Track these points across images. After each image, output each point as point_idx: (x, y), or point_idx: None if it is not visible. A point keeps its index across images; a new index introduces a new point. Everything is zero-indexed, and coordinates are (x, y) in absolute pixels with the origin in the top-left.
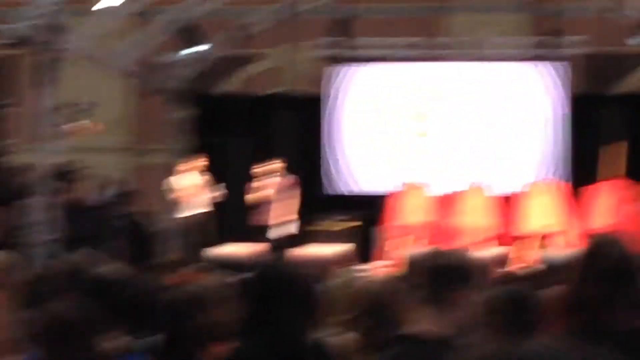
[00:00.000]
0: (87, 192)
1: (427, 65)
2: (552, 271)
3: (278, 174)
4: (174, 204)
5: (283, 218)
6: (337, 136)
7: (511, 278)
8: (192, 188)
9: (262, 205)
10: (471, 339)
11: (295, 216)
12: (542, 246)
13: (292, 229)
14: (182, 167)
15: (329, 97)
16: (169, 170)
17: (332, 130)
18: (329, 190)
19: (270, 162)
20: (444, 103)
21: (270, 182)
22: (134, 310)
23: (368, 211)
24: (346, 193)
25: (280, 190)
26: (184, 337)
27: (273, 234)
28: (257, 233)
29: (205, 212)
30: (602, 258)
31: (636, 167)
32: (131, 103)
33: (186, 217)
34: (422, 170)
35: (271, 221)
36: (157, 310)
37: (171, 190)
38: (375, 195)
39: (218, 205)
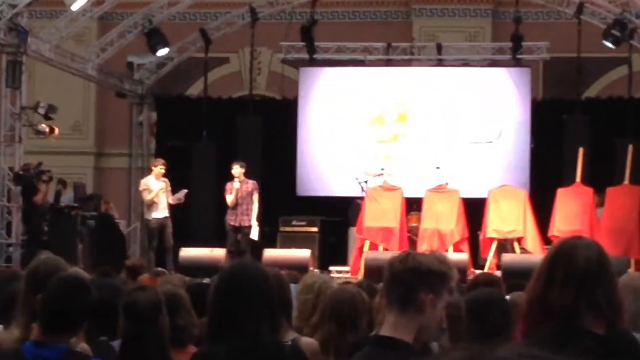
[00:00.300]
0: (47, 195)
1: (389, 70)
2: (513, 276)
3: (238, 178)
4: (146, 206)
5: (245, 222)
6: (301, 139)
7: (473, 283)
8: (154, 192)
9: (226, 208)
10: (438, 343)
11: (255, 220)
12: (504, 251)
13: (254, 232)
14: (152, 169)
15: (291, 100)
16: (130, 174)
17: (296, 133)
18: (295, 193)
19: (232, 167)
20: (406, 107)
21: (231, 186)
22: (94, 314)
23: (333, 214)
24: (310, 196)
25: (241, 194)
26: (145, 341)
27: (236, 237)
28: (220, 236)
29: (166, 217)
30: (567, 263)
31: (596, 172)
32: (92, 106)
33: (148, 221)
34: (387, 174)
35: (234, 225)
36: (117, 315)
37: (147, 190)
38: (341, 198)
39: (180, 209)
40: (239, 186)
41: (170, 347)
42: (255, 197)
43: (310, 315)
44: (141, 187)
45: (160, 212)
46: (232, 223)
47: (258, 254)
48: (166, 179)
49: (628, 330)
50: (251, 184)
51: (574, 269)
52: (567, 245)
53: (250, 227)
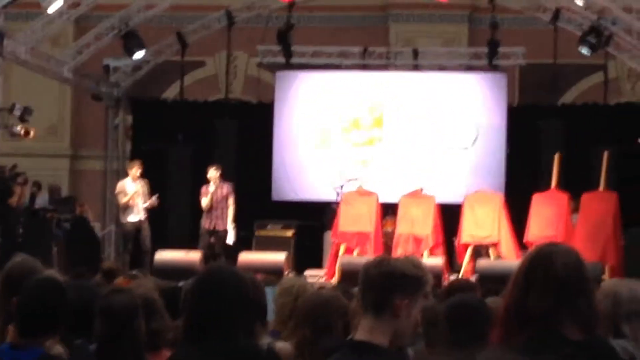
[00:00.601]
0: (22, 198)
1: (365, 75)
2: (488, 281)
3: (214, 182)
4: (121, 209)
5: (220, 226)
6: (277, 143)
7: (448, 288)
8: (130, 195)
9: (202, 212)
10: (413, 349)
11: (232, 223)
12: (479, 256)
13: (230, 236)
14: (128, 172)
15: (268, 104)
16: (105, 177)
17: (272, 137)
18: (273, 197)
19: (208, 170)
20: (382, 112)
21: (206, 190)
22: (69, 317)
23: (308, 218)
24: (286, 200)
25: (217, 198)
26: (120, 344)
27: (210, 240)
28: (195, 240)
29: (142, 220)
30: (546, 269)
31: (572, 178)
32: (67, 109)
33: (123, 224)
34: (362, 178)
35: (209, 228)
36: (92, 318)
37: (122, 194)
38: (317, 202)
39: (156, 212)
40: (214, 189)
41: (145, 351)
42: (231, 200)
43: (288, 319)
44: (117, 190)
45: (136, 215)
46: (206, 226)
47: (233, 258)
48: (145, 180)
49: (604, 337)
50: (227, 187)
51: (552, 275)
52: (544, 251)
53: (225, 230)
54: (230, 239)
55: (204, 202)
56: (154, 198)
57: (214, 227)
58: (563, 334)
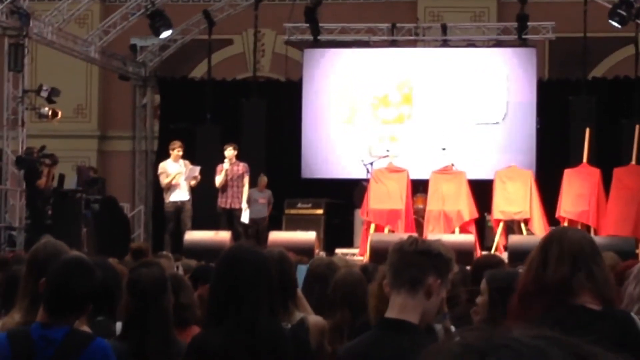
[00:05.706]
0: (51, 179)
1: (394, 51)
2: (519, 258)
3: (230, 160)
4: (164, 190)
5: (236, 205)
6: (305, 121)
7: (475, 265)
8: (171, 176)
9: (219, 191)
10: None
11: (246, 203)
12: (511, 232)
13: (245, 215)
14: (170, 152)
15: (296, 82)
16: (133, 157)
17: (300, 115)
18: (300, 175)
19: (224, 149)
20: (411, 88)
21: (221, 167)
22: (96, 297)
23: (338, 196)
24: (315, 178)
25: (232, 177)
26: (147, 319)
27: (227, 220)
28: (219, 219)
29: (185, 200)
30: (560, 243)
31: (603, 153)
32: (95, 89)
33: (164, 204)
34: (393, 155)
35: (225, 207)
36: (114, 297)
37: (164, 174)
38: (346, 180)
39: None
40: (229, 167)
41: (174, 326)
42: (246, 179)
43: (317, 299)
44: (159, 171)
45: (177, 195)
46: (223, 206)
47: (264, 237)
48: (186, 161)
49: (627, 310)
50: (242, 166)
51: (567, 246)
52: (558, 230)
53: (240, 209)
54: (245, 218)
55: (218, 180)
56: (197, 173)
57: (230, 207)
58: (580, 304)
